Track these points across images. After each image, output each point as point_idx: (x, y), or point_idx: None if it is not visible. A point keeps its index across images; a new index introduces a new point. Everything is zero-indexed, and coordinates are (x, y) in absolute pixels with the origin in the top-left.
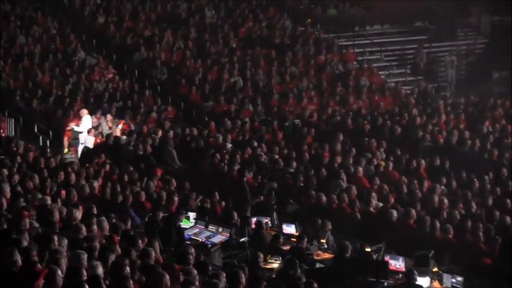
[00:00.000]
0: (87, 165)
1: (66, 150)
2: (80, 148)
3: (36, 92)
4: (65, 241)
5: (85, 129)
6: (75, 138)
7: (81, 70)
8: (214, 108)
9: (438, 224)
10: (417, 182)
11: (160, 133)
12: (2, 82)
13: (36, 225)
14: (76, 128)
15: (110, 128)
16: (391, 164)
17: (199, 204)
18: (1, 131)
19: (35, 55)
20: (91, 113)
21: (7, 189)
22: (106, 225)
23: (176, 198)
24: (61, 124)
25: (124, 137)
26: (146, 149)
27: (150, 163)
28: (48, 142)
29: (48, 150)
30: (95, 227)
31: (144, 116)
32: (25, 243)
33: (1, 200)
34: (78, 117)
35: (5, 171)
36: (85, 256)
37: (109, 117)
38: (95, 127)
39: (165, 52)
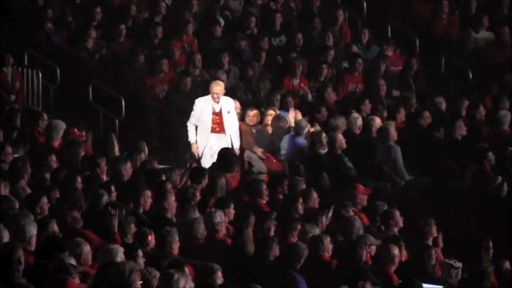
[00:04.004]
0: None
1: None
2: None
3: (92, 11)
4: None
5: None
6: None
7: None
8: None
9: None
10: None
11: (367, 108)
12: None
13: None
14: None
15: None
16: None
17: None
18: (15, 97)
19: None
20: None
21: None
22: None
23: (396, 253)
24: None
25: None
26: (334, 146)
27: (342, 174)
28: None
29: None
30: None
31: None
32: None
33: None
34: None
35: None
36: None
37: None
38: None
39: None
